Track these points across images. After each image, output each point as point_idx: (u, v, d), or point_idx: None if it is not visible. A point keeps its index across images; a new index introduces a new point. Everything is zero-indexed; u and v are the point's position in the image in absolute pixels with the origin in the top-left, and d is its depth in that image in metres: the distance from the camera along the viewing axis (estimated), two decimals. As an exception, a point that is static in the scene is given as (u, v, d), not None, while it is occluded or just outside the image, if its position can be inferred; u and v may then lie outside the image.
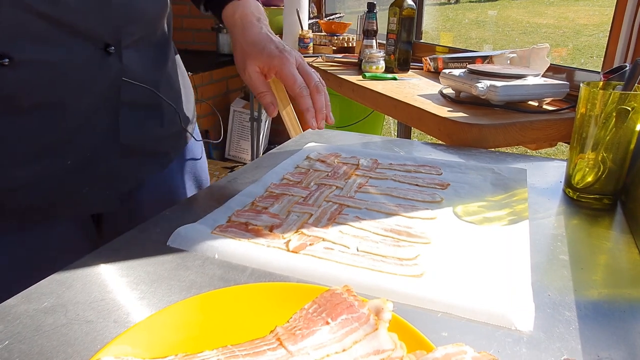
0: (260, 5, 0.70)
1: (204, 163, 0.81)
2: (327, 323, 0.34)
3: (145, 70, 0.62)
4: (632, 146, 0.58)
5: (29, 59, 0.49)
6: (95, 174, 0.59)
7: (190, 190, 0.76)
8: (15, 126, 0.51)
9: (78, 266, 0.45)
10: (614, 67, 0.86)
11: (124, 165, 0.62)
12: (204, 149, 0.82)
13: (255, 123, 2.40)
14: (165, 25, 0.67)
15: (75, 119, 0.55)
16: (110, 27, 0.55)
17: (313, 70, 0.68)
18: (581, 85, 0.60)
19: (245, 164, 2.91)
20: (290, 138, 0.80)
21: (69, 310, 0.39)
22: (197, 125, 0.79)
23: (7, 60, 0.47)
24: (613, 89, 0.60)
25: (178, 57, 0.74)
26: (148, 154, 0.66)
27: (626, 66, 0.65)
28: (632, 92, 0.57)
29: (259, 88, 0.67)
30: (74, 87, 0.54)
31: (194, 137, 0.76)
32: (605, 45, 1.02)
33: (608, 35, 1.01)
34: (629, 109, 0.56)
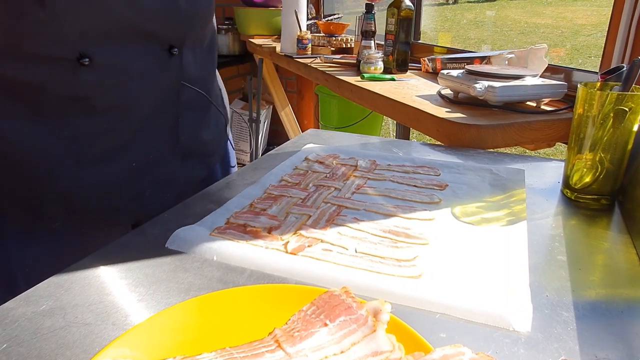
0: None
1: (235, 170, 0.82)
2: (326, 325, 0.34)
3: (199, 73, 0.65)
4: (629, 146, 0.59)
5: (105, 60, 0.52)
6: (157, 176, 0.61)
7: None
8: (87, 127, 0.54)
9: (76, 269, 0.45)
10: (611, 67, 0.87)
11: (181, 168, 0.64)
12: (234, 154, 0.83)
13: (254, 124, 2.41)
14: (213, 27, 0.69)
15: (140, 121, 0.57)
16: (176, 30, 0.58)
17: None
18: (579, 86, 0.60)
19: (244, 165, 2.90)
20: (289, 139, 0.80)
21: (67, 313, 0.39)
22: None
23: (87, 60, 0.50)
24: (610, 90, 0.60)
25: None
26: (199, 156, 0.68)
27: (623, 67, 0.66)
28: (629, 92, 0.58)
29: None
30: (141, 89, 0.57)
31: (230, 142, 0.78)
32: (603, 45, 1.02)
33: (606, 35, 1.01)
34: (626, 109, 0.56)
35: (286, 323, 0.35)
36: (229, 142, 0.78)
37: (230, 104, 3.12)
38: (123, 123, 0.57)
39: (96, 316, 0.39)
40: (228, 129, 0.77)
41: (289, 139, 0.81)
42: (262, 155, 2.81)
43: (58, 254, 0.58)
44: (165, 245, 0.49)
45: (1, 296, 0.51)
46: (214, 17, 0.69)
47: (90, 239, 0.60)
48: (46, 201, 0.56)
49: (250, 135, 2.47)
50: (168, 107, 0.60)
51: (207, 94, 0.67)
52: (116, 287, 0.43)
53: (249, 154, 2.79)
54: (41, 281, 0.43)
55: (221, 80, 0.77)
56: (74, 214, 0.57)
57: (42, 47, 0.49)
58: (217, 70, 0.74)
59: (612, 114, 0.57)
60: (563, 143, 0.96)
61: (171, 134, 0.62)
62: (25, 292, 0.41)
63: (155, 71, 0.57)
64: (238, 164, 3.01)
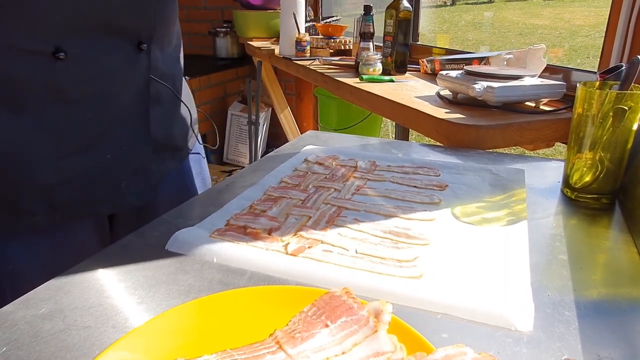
0: None
1: (205, 162, 0.86)
2: (327, 326, 0.34)
3: (167, 70, 0.68)
4: (629, 145, 0.59)
5: (79, 54, 0.55)
6: (131, 167, 0.63)
7: (200, 188, 0.80)
8: (64, 118, 0.56)
9: (76, 271, 0.45)
10: (610, 67, 0.87)
11: (154, 159, 0.67)
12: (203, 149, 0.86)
13: (253, 127, 2.40)
14: (178, 31, 0.73)
15: (114, 112, 0.60)
16: (144, 26, 0.61)
17: None
18: (578, 85, 0.60)
19: (243, 167, 2.90)
20: (288, 141, 0.80)
21: (67, 316, 0.39)
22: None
23: (62, 54, 0.53)
24: (610, 89, 0.60)
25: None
26: (170, 149, 0.71)
27: (622, 66, 0.66)
28: (628, 91, 0.58)
29: None
30: (113, 81, 0.59)
31: (197, 137, 0.80)
32: (601, 45, 1.02)
33: (604, 35, 1.01)
34: (626, 108, 0.56)
35: (287, 324, 0.35)
36: (196, 139, 0.81)
37: (229, 106, 3.11)
38: (98, 115, 0.59)
39: (96, 319, 0.38)
40: (196, 127, 0.80)
41: (288, 141, 0.81)
42: (261, 157, 2.81)
43: (41, 250, 0.60)
44: (165, 248, 0.49)
45: None
46: (178, 21, 0.72)
47: (70, 233, 0.63)
48: (26, 195, 0.57)
49: (249, 138, 2.47)
50: (139, 100, 0.63)
51: (175, 91, 0.70)
52: (116, 290, 0.42)
53: (248, 157, 2.78)
54: (26, 279, 0.43)
55: (188, 86, 0.80)
56: (54, 207, 0.59)
57: (18, 41, 0.51)
58: (183, 77, 0.77)
59: (611, 113, 0.57)
60: (562, 143, 0.96)
61: (143, 126, 0.64)
62: (24, 295, 0.41)
63: (125, 65, 0.60)
64: (237, 166, 3.01)
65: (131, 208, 0.65)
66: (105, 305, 0.40)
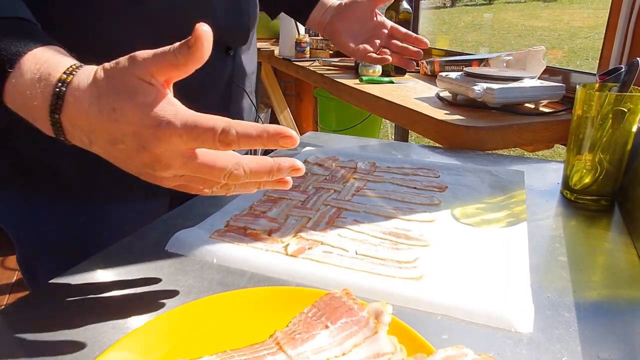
0: None
1: None
2: (327, 327, 0.34)
3: (245, 69, 0.73)
4: (628, 147, 0.59)
5: None
6: None
7: None
8: None
9: (76, 272, 0.45)
10: (609, 68, 0.87)
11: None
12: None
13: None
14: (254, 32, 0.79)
15: (197, 109, 0.64)
16: (238, 38, 0.69)
17: None
18: (577, 87, 0.60)
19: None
20: None
21: (65, 316, 0.39)
22: None
23: None
24: (609, 91, 0.60)
25: None
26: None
27: (622, 68, 0.66)
28: (627, 93, 0.58)
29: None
30: (201, 80, 0.63)
31: None
32: (601, 47, 1.03)
33: (603, 37, 1.01)
34: (625, 110, 0.57)
35: (287, 325, 0.35)
36: None
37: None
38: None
39: (96, 319, 0.38)
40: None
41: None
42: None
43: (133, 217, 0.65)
44: (165, 248, 0.49)
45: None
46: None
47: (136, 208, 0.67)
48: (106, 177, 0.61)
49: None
50: (221, 99, 0.69)
51: (249, 91, 0.76)
52: (116, 290, 0.42)
53: (247, 158, 2.78)
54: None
55: (255, 75, 0.84)
56: (125, 184, 0.62)
57: (133, 50, 0.56)
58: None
59: (610, 115, 0.57)
60: (562, 145, 0.97)
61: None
62: (24, 295, 0.41)
63: (213, 68, 0.65)
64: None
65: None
66: (105, 305, 0.40)
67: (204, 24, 0.38)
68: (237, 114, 0.74)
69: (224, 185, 0.39)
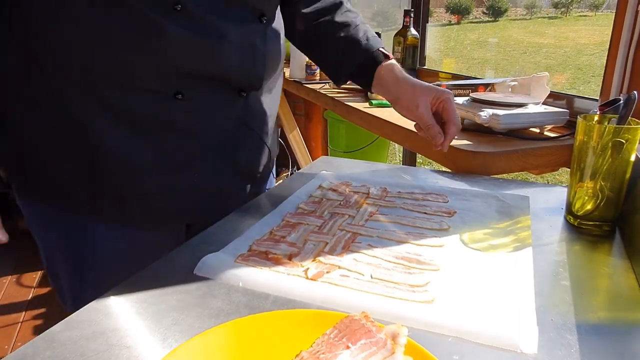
0: None
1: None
2: (348, 347, 0.38)
3: (260, 110, 0.77)
4: (627, 175, 0.62)
5: (192, 95, 0.67)
6: (213, 188, 0.74)
7: None
8: (169, 141, 0.68)
9: (113, 294, 0.49)
10: (609, 99, 0.91)
11: (234, 184, 0.77)
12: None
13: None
14: (280, 77, 0.84)
15: (206, 141, 0.71)
16: (251, 81, 0.73)
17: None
18: (578, 118, 0.64)
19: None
20: (297, 161, 0.89)
21: (109, 336, 0.43)
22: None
23: (180, 95, 0.65)
24: (608, 122, 0.64)
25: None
26: (251, 177, 0.80)
27: (620, 99, 0.69)
28: (625, 125, 0.61)
29: (430, 120, 0.78)
30: (213, 117, 0.70)
31: (272, 173, 0.90)
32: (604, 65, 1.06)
33: (605, 63, 1.05)
34: (624, 141, 0.60)
35: (311, 346, 0.38)
36: (273, 174, 0.91)
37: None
38: (194, 142, 0.70)
39: (135, 339, 0.42)
40: (273, 164, 0.89)
41: (297, 161, 0.88)
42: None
43: (121, 241, 0.72)
44: (194, 272, 0.53)
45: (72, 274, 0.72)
46: (282, 66, 0.82)
47: (150, 233, 0.73)
48: (125, 197, 0.69)
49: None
50: (228, 134, 0.73)
51: (260, 132, 0.78)
52: (151, 312, 0.46)
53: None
54: (106, 262, 0.61)
55: (274, 119, 0.86)
56: (146, 210, 0.70)
57: (146, 84, 0.64)
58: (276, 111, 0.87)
59: (610, 144, 0.61)
60: (567, 168, 1.00)
61: (228, 156, 0.74)
62: (68, 317, 0.45)
63: (224, 106, 0.71)
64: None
65: (206, 222, 0.71)
66: (142, 326, 0.44)
67: None
68: (245, 156, 0.77)
69: None
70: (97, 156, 0.65)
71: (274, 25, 0.76)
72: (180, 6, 0.61)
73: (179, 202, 0.72)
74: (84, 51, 0.61)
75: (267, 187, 0.89)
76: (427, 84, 0.80)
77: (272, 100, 0.81)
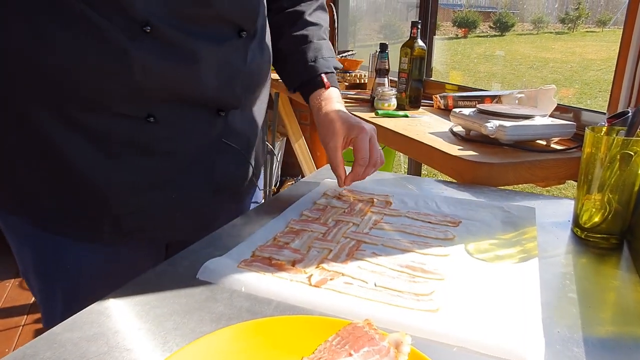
0: (339, 93, 0.83)
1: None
2: (350, 355, 0.37)
3: (242, 128, 0.75)
4: (636, 188, 0.61)
5: (166, 118, 0.65)
6: (190, 207, 0.72)
7: None
8: (143, 164, 0.66)
9: (115, 296, 0.49)
10: (617, 112, 0.90)
11: (212, 202, 0.74)
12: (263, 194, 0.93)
13: (268, 155, 2.46)
14: (266, 93, 0.81)
15: (183, 162, 0.69)
16: (230, 101, 0.70)
17: (379, 148, 0.76)
18: (586, 130, 0.63)
19: (257, 194, 2.94)
20: (302, 170, 0.88)
21: (109, 338, 0.42)
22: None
23: (152, 118, 0.63)
24: (616, 134, 0.64)
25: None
26: (229, 193, 0.77)
27: (629, 112, 0.69)
28: (634, 138, 0.61)
29: (336, 161, 0.75)
30: (189, 139, 0.68)
31: (257, 186, 0.87)
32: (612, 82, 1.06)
33: (613, 75, 1.05)
34: (632, 153, 0.60)
35: (313, 352, 0.38)
36: (257, 187, 0.88)
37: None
38: (169, 164, 0.67)
39: (136, 342, 0.42)
40: (258, 180, 0.86)
41: (301, 170, 0.87)
42: (275, 185, 2.85)
43: (97, 261, 0.70)
44: (197, 276, 0.53)
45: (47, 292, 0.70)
46: (268, 85, 0.81)
47: (129, 251, 0.71)
48: (99, 218, 0.67)
49: (264, 166, 2.52)
50: (206, 155, 0.70)
51: (244, 149, 0.76)
52: (153, 315, 0.46)
53: (262, 184, 2.83)
54: (79, 283, 0.59)
55: (259, 132, 0.84)
56: (120, 231, 0.68)
57: (118, 107, 0.62)
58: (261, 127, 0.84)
59: (618, 157, 0.60)
60: (574, 181, 0.99)
61: (205, 175, 0.71)
62: (70, 318, 0.45)
63: (202, 127, 0.69)
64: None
65: (186, 240, 0.69)
66: (143, 329, 0.44)
67: None
68: (224, 173, 0.74)
69: None
70: (70, 176, 0.63)
71: (257, 38, 0.72)
72: (149, 28, 0.58)
73: (155, 221, 0.70)
74: (50, 72, 0.58)
75: (252, 201, 0.87)
76: (346, 117, 0.76)
77: (256, 114, 0.79)
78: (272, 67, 0.83)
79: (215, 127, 0.70)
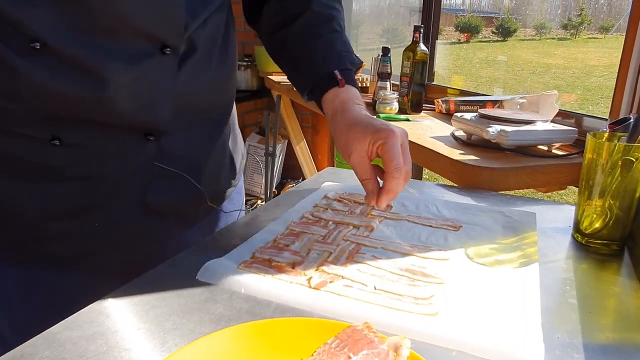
0: (358, 93, 0.68)
1: (242, 212, 0.81)
2: (349, 358, 0.37)
3: (185, 151, 0.65)
4: (637, 194, 0.61)
5: (76, 142, 0.57)
6: (120, 232, 0.64)
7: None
8: (55, 189, 0.58)
9: (115, 296, 0.49)
10: (619, 118, 0.90)
11: (148, 226, 0.66)
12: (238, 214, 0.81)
13: (269, 158, 2.46)
14: (227, 104, 0.71)
15: (108, 189, 0.61)
16: (154, 121, 0.60)
17: (409, 156, 0.63)
18: (588, 135, 0.63)
19: (257, 196, 2.95)
20: (302, 173, 0.84)
21: (108, 338, 0.42)
22: (236, 193, 0.79)
23: (57, 141, 0.56)
24: (618, 140, 0.63)
25: (234, 122, 0.77)
26: (172, 216, 0.68)
27: (630, 118, 0.69)
28: (636, 144, 0.61)
29: (365, 174, 0.62)
30: (112, 165, 0.60)
31: (222, 210, 0.77)
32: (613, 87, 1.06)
33: (615, 84, 1.05)
34: (633, 159, 0.60)
35: (312, 355, 0.38)
36: (221, 210, 0.77)
37: (247, 137, 3.16)
38: (90, 190, 0.60)
39: (135, 342, 0.42)
40: (222, 199, 0.76)
41: (302, 173, 0.86)
42: (275, 188, 2.85)
43: (44, 285, 0.63)
44: (196, 277, 0.53)
45: None
46: (231, 102, 0.72)
47: (83, 279, 0.65)
48: (27, 243, 0.61)
49: (265, 169, 2.52)
50: (139, 180, 0.63)
51: (189, 172, 0.66)
52: (152, 316, 0.46)
53: (262, 187, 2.83)
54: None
55: (239, 143, 0.76)
56: (42, 258, 0.62)
57: (17, 127, 0.55)
58: (232, 139, 0.75)
59: (620, 163, 0.60)
60: (575, 186, 0.99)
61: (138, 199, 0.64)
62: (70, 317, 0.45)
63: (127, 152, 0.60)
64: (252, 196, 2.99)
65: (134, 265, 0.61)
66: (143, 329, 0.44)
67: None
68: (160, 197, 0.65)
69: None
70: None
71: (199, 53, 0.61)
72: (39, 44, 0.50)
73: (83, 247, 0.63)
74: None
75: (230, 211, 0.78)
76: (368, 120, 0.62)
77: (205, 135, 0.68)
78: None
79: (145, 151, 0.61)
